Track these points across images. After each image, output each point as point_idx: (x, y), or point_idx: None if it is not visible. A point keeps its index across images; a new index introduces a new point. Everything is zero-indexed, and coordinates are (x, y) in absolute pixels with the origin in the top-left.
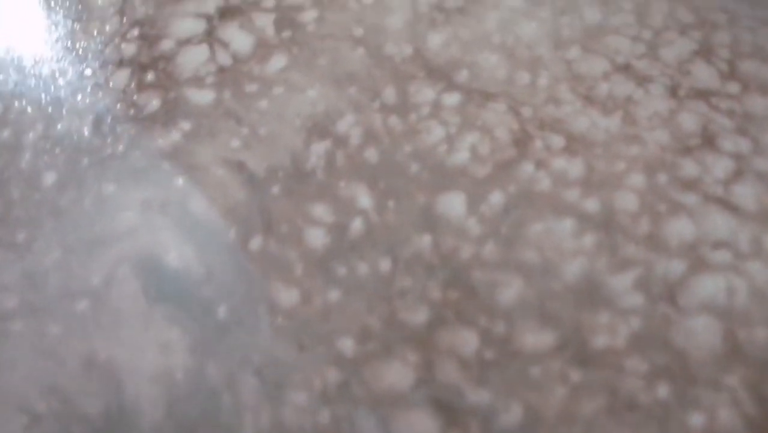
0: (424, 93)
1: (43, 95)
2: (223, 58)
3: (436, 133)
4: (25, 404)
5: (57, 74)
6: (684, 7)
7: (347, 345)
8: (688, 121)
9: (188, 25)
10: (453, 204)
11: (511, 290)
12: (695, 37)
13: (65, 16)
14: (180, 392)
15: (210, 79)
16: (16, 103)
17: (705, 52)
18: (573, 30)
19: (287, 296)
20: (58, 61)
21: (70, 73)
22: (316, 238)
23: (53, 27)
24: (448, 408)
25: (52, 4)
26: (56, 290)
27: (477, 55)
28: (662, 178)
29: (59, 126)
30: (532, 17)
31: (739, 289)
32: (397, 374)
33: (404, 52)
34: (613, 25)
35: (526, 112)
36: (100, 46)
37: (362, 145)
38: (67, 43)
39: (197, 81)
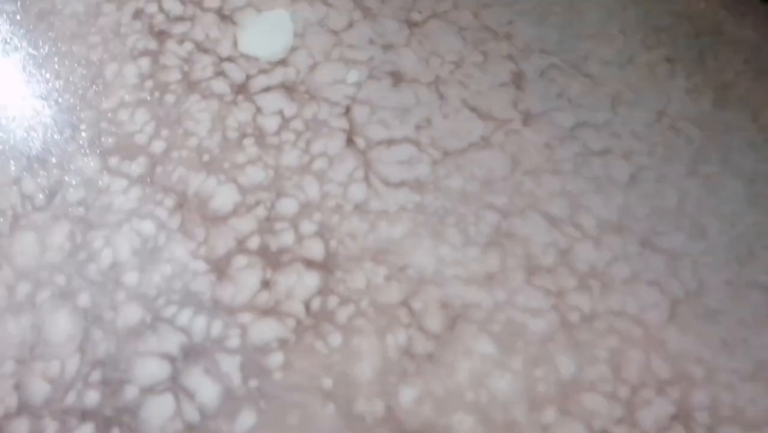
0: None
1: None
2: (190, 413)
3: None
4: None
5: (16, 430)
6: (659, 357)
7: None
8: None
9: (152, 368)
10: None
11: None
12: (673, 396)
13: (22, 361)
14: None
15: None
16: None
17: (683, 416)
18: (548, 385)
19: None
20: (18, 414)
21: (31, 429)
22: None
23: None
24: None
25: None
26: None
27: (451, 416)
28: None
29: None
30: (505, 368)
31: None
32: None
33: (376, 411)
34: (589, 379)
35: None
36: (60, 393)
37: None
38: (27, 399)
39: None
